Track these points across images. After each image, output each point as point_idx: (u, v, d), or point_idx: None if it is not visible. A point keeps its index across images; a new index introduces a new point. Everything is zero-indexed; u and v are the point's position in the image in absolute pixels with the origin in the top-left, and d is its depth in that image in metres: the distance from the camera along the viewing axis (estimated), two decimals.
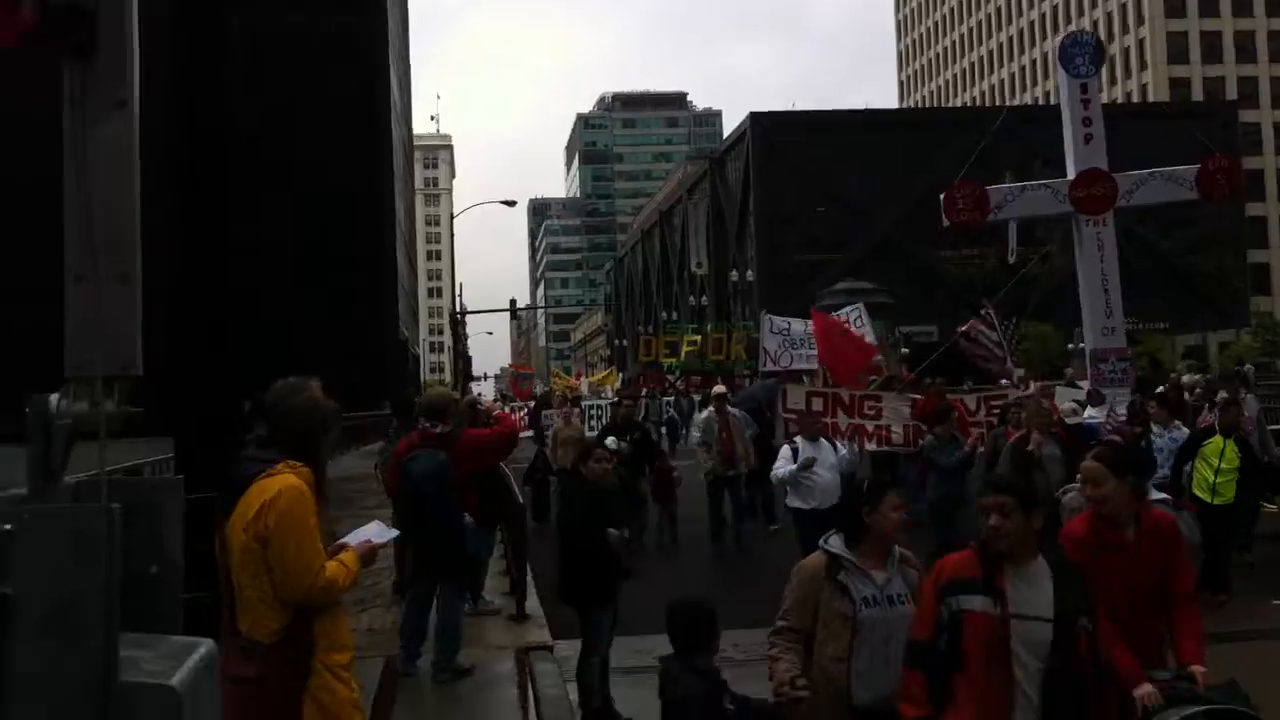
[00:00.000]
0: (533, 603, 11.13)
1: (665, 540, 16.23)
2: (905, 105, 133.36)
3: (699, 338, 49.74)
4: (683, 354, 48.71)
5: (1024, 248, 73.00)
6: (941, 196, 15.70)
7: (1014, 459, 11.56)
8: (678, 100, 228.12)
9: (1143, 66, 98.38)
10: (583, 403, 27.98)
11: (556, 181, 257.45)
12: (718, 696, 5.43)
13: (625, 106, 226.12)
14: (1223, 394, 16.04)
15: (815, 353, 20.20)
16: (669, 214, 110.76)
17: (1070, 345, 55.87)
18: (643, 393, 34.59)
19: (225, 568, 4.41)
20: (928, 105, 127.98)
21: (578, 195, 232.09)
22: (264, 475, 4.37)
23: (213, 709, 3.49)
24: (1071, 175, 15.84)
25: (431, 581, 8.92)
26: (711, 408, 16.66)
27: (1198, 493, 11.84)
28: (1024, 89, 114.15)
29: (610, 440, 13.29)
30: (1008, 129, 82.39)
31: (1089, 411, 14.43)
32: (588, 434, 18.75)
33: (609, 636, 8.51)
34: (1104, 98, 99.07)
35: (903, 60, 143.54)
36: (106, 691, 2.58)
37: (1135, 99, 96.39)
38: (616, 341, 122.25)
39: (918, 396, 16.77)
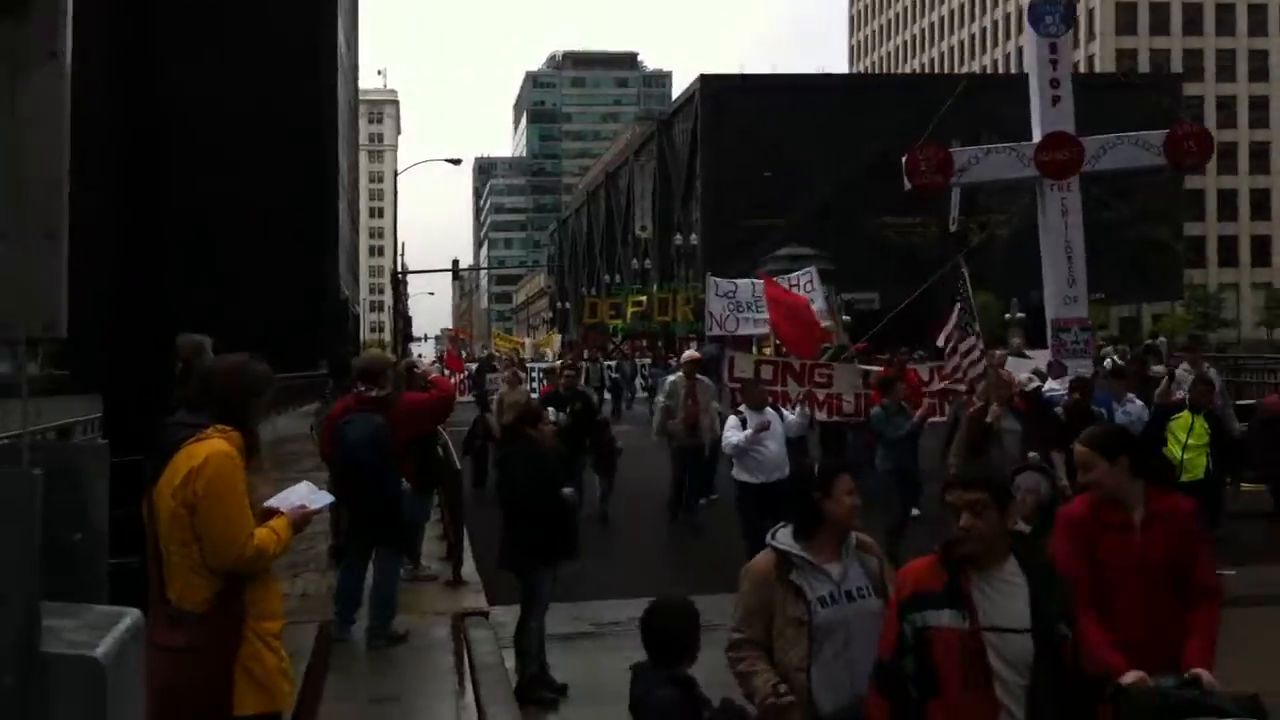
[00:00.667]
0: (469, 568, 11.11)
1: (603, 511, 15.68)
2: (855, 71, 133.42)
3: (644, 299, 49.28)
4: (628, 315, 48.29)
5: (965, 216, 73.64)
6: (904, 159, 15.37)
7: (971, 431, 11.29)
8: (628, 60, 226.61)
9: (1091, 37, 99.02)
10: (528, 364, 27.76)
11: (504, 141, 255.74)
12: (697, 710, 4.80)
13: (575, 65, 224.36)
14: (1184, 367, 15.81)
15: (763, 316, 19.74)
16: (615, 175, 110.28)
17: (1008, 315, 56.44)
18: (584, 355, 34.26)
19: (153, 534, 4.33)
20: (878, 71, 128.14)
21: (524, 155, 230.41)
22: (192, 440, 4.29)
23: (137, 680, 3.44)
24: (1037, 138, 15.48)
25: (367, 546, 8.86)
26: (681, 371, 16.06)
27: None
28: (973, 56, 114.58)
29: (550, 411, 12.57)
30: (953, 96, 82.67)
31: (1049, 383, 14.06)
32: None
33: (548, 602, 8.52)
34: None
35: (854, 25, 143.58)
36: (27, 662, 2.52)
37: (1083, 69, 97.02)
38: (559, 304, 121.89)
39: (875, 367, 16.45)
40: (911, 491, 12.48)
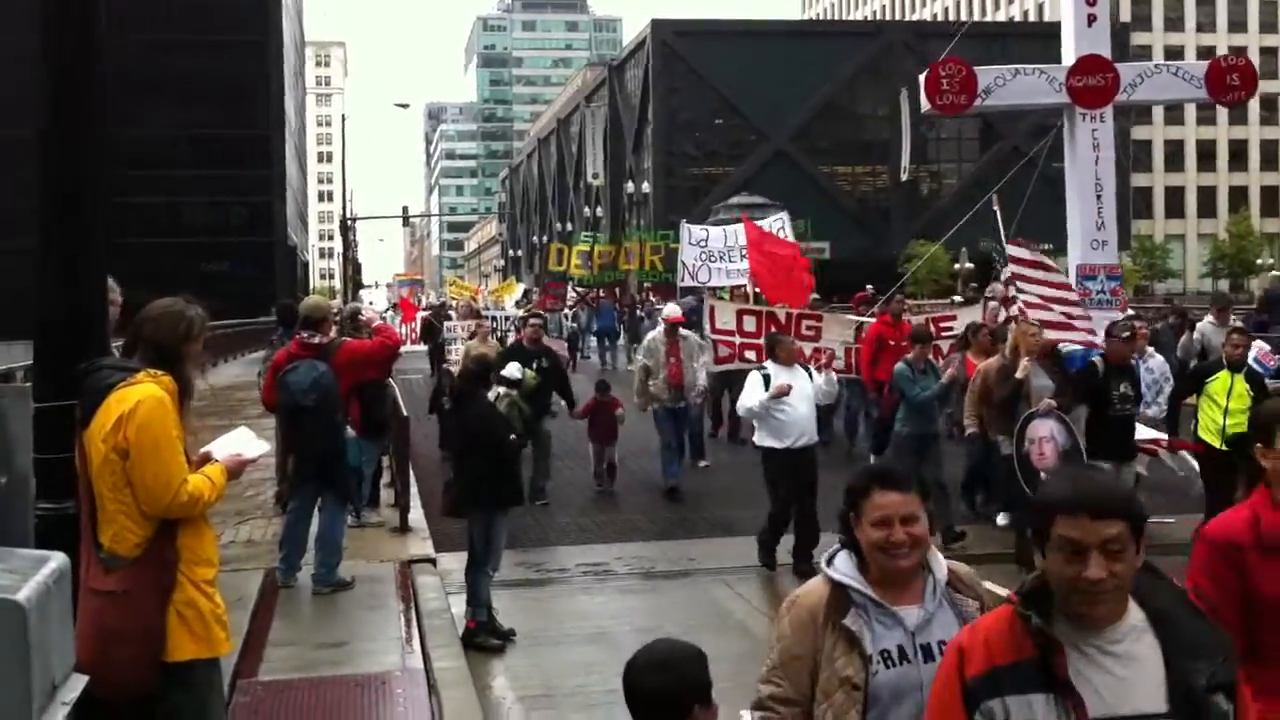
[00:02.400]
0: (416, 515, 11.10)
1: (605, 488, 13.95)
2: (808, 17, 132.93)
3: (612, 248, 48.62)
4: (595, 266, 47.57)
5: (915, 165, 73.06)
6: (923, 76, 14.01)
7: (998, 389, 10.28)
8: (578, 4, 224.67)
9: None
10: (485, 314, 27.21)
11: (454, 87, 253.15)
12: None
13: (525, 9, 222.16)
14: (1209, 321, 14.80)
15: (737, 266, 19.02)
16: (566, 122, 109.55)
17: (957, 265, 56.74)
18: (547, 307, 33.72)
19: (85, 480, 4.27)
20: (830, 17, 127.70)
21: (475, 100, 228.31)
22: (123, 384, 4.22)
23: (63, 624, 3.41)
24: (1069, 61, 14.10)
25: (313, 493, 8.82)
26: (660, 328, 14.49)
27: (1204, 436, 10.34)
28: (924, 4, 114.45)
29: (513, 367, 11.89)
30: (905, 44, 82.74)
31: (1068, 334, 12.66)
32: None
33: (500, 548, 8.54)
34: (1001, 16, 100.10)
35: None
36: None
37: (1032, 18, 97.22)
38: (511, 251, 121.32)
39: (863, 318, 15.56)
40: (933, 463, 11.20)
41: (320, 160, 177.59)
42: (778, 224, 19.59)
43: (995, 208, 13.48)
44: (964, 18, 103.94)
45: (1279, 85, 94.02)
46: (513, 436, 9.74)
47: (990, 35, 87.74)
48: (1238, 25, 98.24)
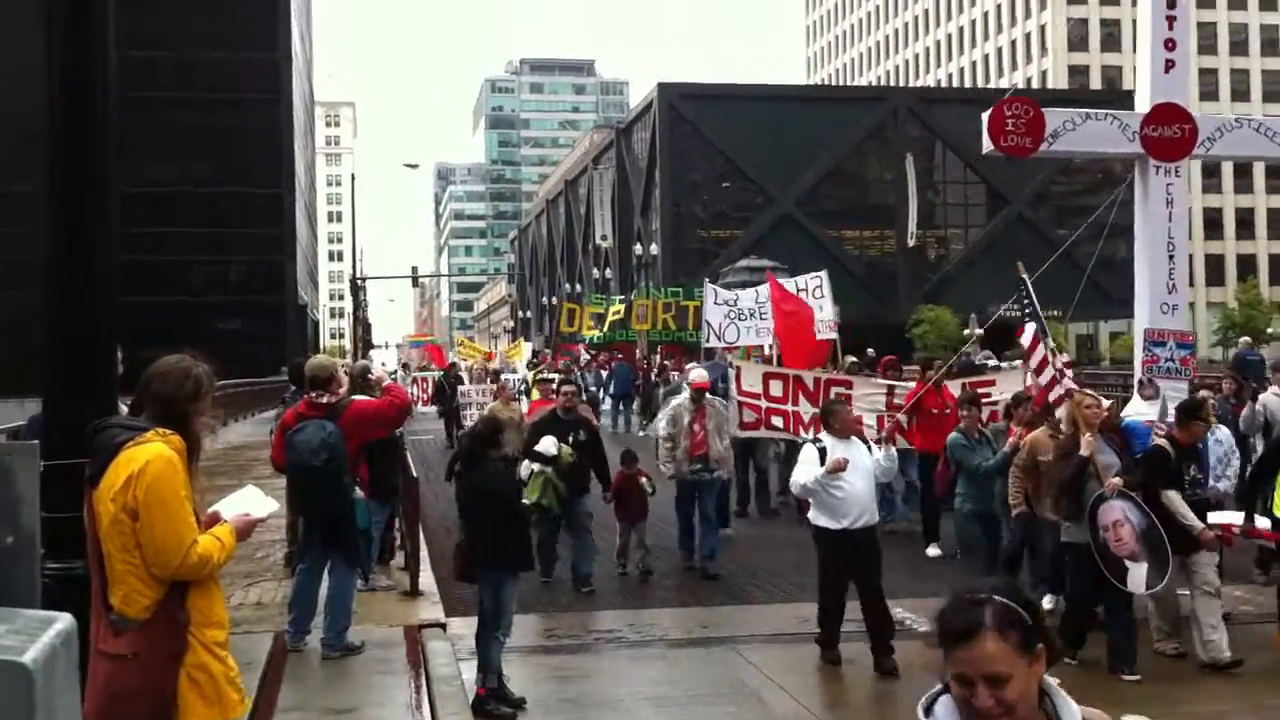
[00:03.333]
0: (426, 579, 10.94)
1: (638, 569, 12.58)
2: (812, 81, 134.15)
3: (622, 307, 48.00)
4: (607, 325, 46.77)
5: (922, 231, 73.70)
6: (986, 115, 13.10)
7: (1060, 468, 9.30)
8: (585, 67, 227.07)
9: (1043, 52, 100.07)
10: (502, 376, 26.98)
11: (463, 148, 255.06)
12: None
13: (533, 71, 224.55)
14: (1276, 391, 13.43)
15: (767, 325, 18.57)
16: (574, 183, 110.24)
17: (967, 330, 56.72)
18: (559, 368, 33.19)
19: (94, 539, 4.18)
20: (834, 82, 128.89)
21: (483, 161, 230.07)
22: (133, 443, 4.14)
23: (70, 686, 3.29)
24: (1143, 109, 13.11)
25: (322, 555, 8.69)
26: (686, 394, 13.41)
27: None
28: (928, 70, 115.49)
29: (548, 442, 10.83)
30: (910, 109, 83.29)
31: (1136, 407, 11.65)
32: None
33: (511, 614, 8.39)
34: (1004, 83, 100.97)
35: (810, 35, 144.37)
36: None
37: (1035, 85, 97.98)
38: (521, 312, 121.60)
39: (900, 383, 14.62)
40: (994, 543, 10.47)
41: (330, 220, 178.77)
42: (815, 282, 19.05)
43: (1024, 274, 12.71)
44: (966, 85, 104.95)
45: None
46: (529, 502, 9.76)
47: (994, 102, 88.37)
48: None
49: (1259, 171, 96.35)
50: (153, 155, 62.72)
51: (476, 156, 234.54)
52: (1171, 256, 13.15)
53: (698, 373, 14.28)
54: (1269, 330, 78.96)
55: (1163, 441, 9.52)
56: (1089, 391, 10.10)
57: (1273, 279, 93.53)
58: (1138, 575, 8.76)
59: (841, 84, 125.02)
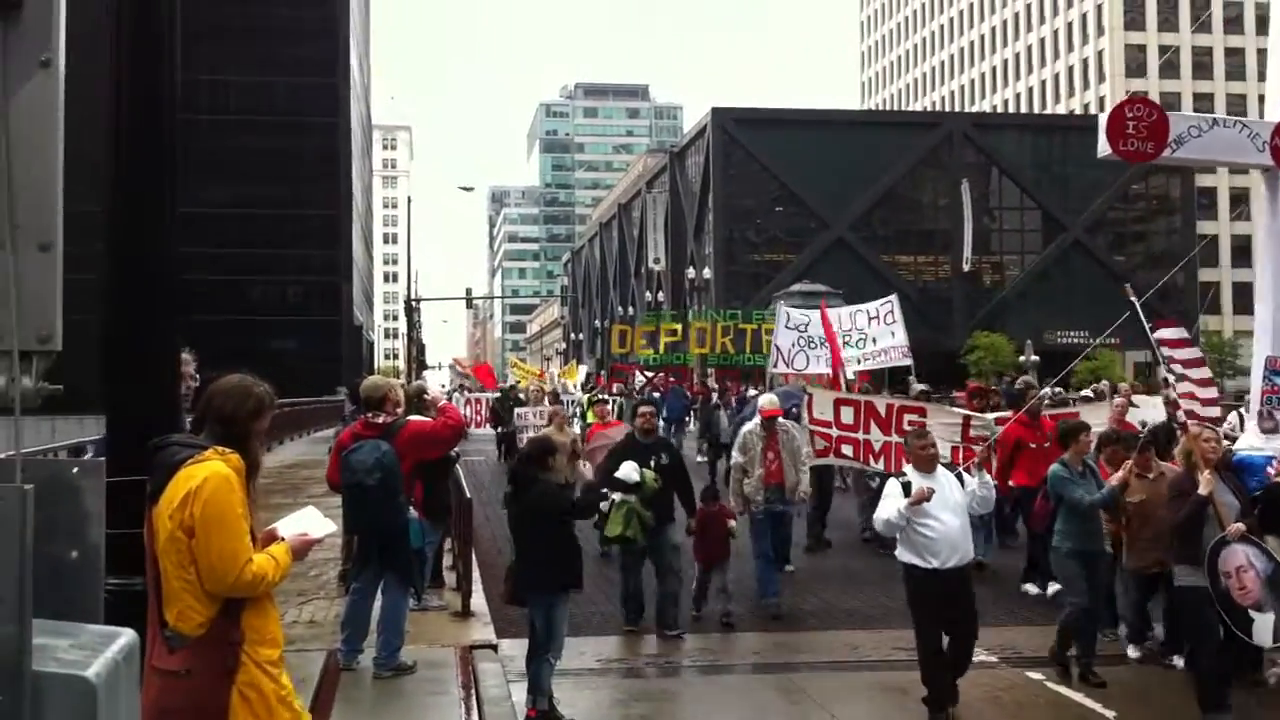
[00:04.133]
0: (478, 600, 10.98)
1: (722, 619, 11.39)
2: (866, 107, 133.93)
3: (678, 327, 47.01)
4: (661, 346, 45.91)
5: (977, 257, 73.32)
6: (1104, 116, 12.25)
7: (1178, 509, 8.42)
8: (640, 92, 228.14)
9: (1100, 79, 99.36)
10: (561, 397, 26.73)
11: (517, 170, 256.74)
12: None
13: (588, 95, 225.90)
14: None
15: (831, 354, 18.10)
16: (628, 207, 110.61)
17: (1022, 357, 56.16)
18: (614, 390, 32.63)
19: (153, 556, 4.24)
20: (888, 107, 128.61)
21: (537, 184, 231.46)
22: (192, 461, 4.20)
23: (131, 700, 3.33)
24: (1277, 117, 12.32)
25: (375, 574, 8.74)
26: (756, 421, 12.71)
27: None
28: (983, 95, 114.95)
29: (628, 467, 10.05)
30: (965, 135, 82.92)
31: (1249, 439, 10.69)
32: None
33: (562, 636, 8.39)
34: (1061, 109, 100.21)
35: (865, 61, 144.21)
36: (19, 681, 2.44)
37: (1093, 110, 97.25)
38: (573, 334, 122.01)
39: (977, 414, 13.87)
40: (1097, 586, 9.60)
41: (385, 241, 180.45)
42: (887, 307, 18.64)
43: (1132, 297, 12.01)
44: (1023, 110, 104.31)
45: None
46: (613, 535, 10.04)
47: (1051, 128, 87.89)
48: None
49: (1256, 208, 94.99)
50: (211, 175, 63.64)
51: (530, 180, 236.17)
52: None
53: (767, 398, 13.54)
54: None
55: None
56: (1208, 425, 9.32)
57: None
58: (1264, 625, 7.99)
59: (896, 109, 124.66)
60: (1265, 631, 7.98)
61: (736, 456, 12.38)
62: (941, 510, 8.34)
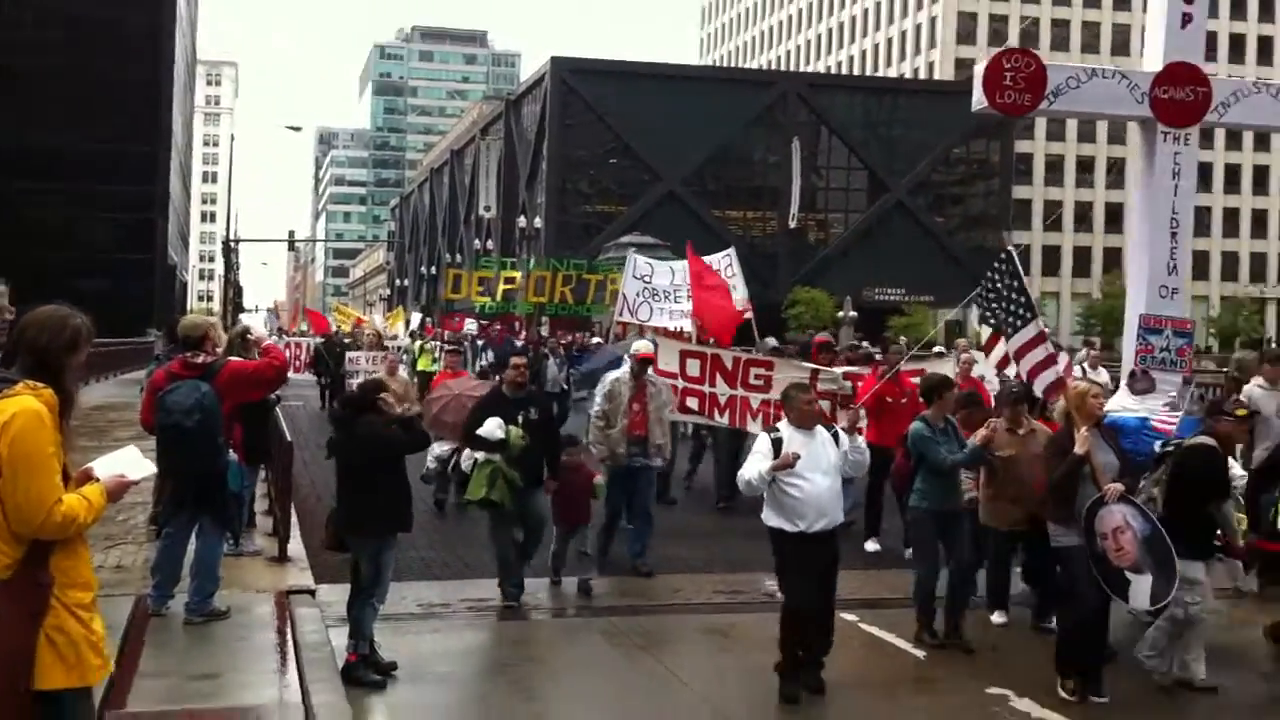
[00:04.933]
0: (295, 546, 10.78)
1: (579, 588, 10.54)
2: (705, 62, 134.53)
3: (517, 275, 45.80)
4: (499, 293, 44.70)
5: (804, 214, 74.68)
6: (982, 67, 11.88)
7: (1056, 467, 8.10)
8: (478, 38, 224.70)
9: (932, 44, 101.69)
10: (388, 344, 25.95)
11: (348, 113, 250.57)
12: None
13: (424, 39, 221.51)
14: (1258, 383, 11.63)
15: (681, 307, 17.54)
16: (460, 154, 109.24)
17: (841, 313, 57.49)
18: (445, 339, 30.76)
19: None
20: (726, 64, 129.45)
21: (368, 127, 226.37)
22: (0, 396, 4.01)
23: None
24: (1154, 67, 11.83)
25: (190, 518, 8.51)
26: (625, 368, 11.99)
27: None
28: (818, 56, 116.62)
29: (492, 424, 9.53)
30: (799, 95, 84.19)
31: (1122, 400, 10.24)
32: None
33: (388, 579, 8.30)
34: (892, 72, 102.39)
35: (705, 17, 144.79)
36: None
37: (922, 75, 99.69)
38: (398, 281, 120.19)
39: (826, 368, 13.49)
40: (958, 547, 9.27)
41: (205, 180, 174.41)
42: (726, 260, 18.27)
43: (1010, 246, 11.69)
44: (856, 72, 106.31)
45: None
46: (475, 499, 9.62)
47: (882, 91, 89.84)
48: None
49: (1132, 168, 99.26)
50: (22, 105, 60.54)
51: (361, 123, 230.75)
52: (1174, 235, 11.83)
53: (641, 343, 12.74)
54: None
55: (1209, 440, 8.35)
56: (1093, 379, 8.92)
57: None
58: (1141, 588, 7.73)
59: (734, 66, 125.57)
60: (1142, 594, 7.76)
61: (600, 404, 11.62)
62: (812, 470, 7.80)
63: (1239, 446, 9.89)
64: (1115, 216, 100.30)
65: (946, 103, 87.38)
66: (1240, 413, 8.58)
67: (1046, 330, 10.20)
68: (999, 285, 10.94)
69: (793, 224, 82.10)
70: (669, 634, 9.57)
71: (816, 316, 66.28)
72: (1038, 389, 10.22)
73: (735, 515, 13.96)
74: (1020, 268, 10.83)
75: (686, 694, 8.01)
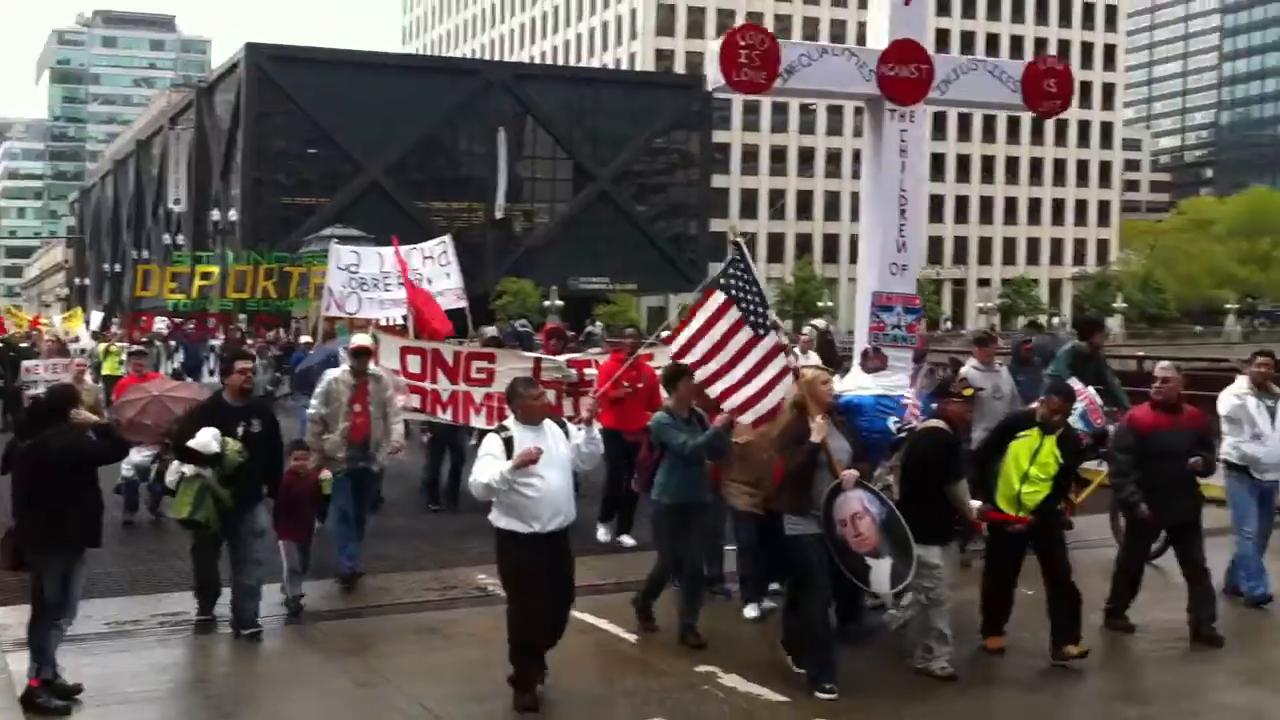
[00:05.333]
0: None
1: (290, 604, 9.73)
2: (407, 50, 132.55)
3: (214, 270, 43.37)
4: (195, 289, 42.21)
5: (510, 204, 74.96)
6: (718, 44, 11.61)
7: (791, 456, 8.01)
8: (165, 22, 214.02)
9: (633, 36, 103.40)
10: (71, 348, 24.10)
11: (22, 102, 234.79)
12: None
13: (107, 24, 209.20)
14: (973, 364, 12.00)
15: (392, 296, 16.93)
16: (147, 144, 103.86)
17: (548, 302, 57.83)
18: (145, 340, 28.35)
19: None
20: (430, 53, 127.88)
21: (45, 117, 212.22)
22: None
23: None
24: (879, 45, 11.89)
25: None
26: (344, 366, 11.07)
27: (1001, 504, 8.62)
28: (522, 46, 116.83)
29: (206, 435, 8.72)
30: (504, 84, 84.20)
31: (856, 379, 9.94)
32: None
33: (76, 601, 7.75)
34: (595, 62, 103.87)
35: (407, 4, 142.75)
36: None
37: (624, 65, 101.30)
38: (78, 279, 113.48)
39: (550, 357, 13.17)
40: (696, 544, 9.09)
41: None
42: (440, 248, 17.49)
43: (737, 239, 11.71)
44: (560, 62, 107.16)
45: (842, 141, 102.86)
46: (180, 518, 8.95)
47: (586, 81, 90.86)
48: None
49: (820, 157, 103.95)
50: None
51: (38, 112, 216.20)
52: (903, 211, 11.80)
53: (360, 335, 12.18)
54: (819, 305, 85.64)
55: (938, 423, 8.41)
56: (821, 366, 8.86)
57: (825, 257, 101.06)
58: (881, 572, 7.77)
59: (438, 55, 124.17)
60: (882, 578, 7.79)
61: (317, 408, 10.70)
62: (546, 467, 7.36)
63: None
64: (805, 204, 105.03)
65: (648, 93, 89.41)
66: (967, 393, 8.70)
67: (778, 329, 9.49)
68: (741, 281, 9.98)
69: (499, 215, 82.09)
70: (379, 636, 9.31)
71: (524, 307, 66.49)
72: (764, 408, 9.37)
73: (445, 511, 13.99)
74: (750, 260, 10.09)
75: (398, 696, 7.79)
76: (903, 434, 8.69)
